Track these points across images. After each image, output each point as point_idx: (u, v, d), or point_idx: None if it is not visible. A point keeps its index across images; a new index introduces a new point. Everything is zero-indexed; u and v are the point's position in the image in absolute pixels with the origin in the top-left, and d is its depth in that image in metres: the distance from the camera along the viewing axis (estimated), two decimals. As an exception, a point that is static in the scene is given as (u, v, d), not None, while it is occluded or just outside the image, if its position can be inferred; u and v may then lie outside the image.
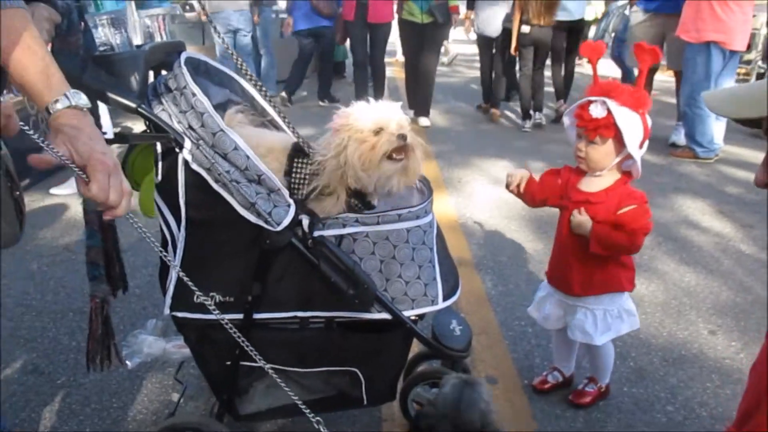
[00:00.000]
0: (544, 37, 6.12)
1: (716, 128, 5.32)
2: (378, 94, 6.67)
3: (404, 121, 1.70)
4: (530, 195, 2.21)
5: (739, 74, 7.94)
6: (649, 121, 1.94)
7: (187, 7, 9.18)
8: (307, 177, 1.73)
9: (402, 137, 1.64)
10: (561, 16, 6.15)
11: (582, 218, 2.01)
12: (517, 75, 6.70)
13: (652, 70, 6.12)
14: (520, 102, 6.60)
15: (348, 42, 7.43)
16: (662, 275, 3.30)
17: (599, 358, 2.22)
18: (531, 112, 6.49)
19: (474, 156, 5.51)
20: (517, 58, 6.44)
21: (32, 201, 4.22)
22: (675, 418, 2.20)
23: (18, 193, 1.75)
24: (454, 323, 2.00)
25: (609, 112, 1.88)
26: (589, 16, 7.27)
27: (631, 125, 1.89)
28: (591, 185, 2.05)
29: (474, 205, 4.29)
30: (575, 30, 6.55)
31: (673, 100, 6.17)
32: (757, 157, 5.59)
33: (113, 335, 1.87)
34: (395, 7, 6.55)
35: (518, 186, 2.19)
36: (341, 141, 1.66)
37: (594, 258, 2.02)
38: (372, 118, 1.67)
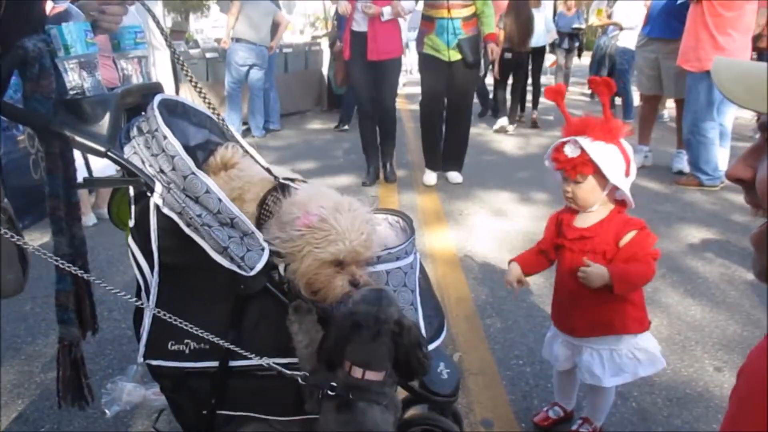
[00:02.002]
0: (523, 60, 8.16)
1: (720, 155, 5.26)
2: (387, 149, 5.73)
3: (374, 248, 1.58)
4: (543, 261, 2.20)
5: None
6: (629, 148, 1.93)
7: (191, 44, 9.32)
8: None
9: (354, 285, 1.51)
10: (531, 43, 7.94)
11: (594, 270, 1.89)
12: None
13: (655, 98, 6.09)
14: (509, 112, 8.43)
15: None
16: (666, 308, 3.21)
17: (601, 399, 2.15)
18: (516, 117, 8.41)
19: (476, 187, 5.47)
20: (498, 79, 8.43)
21: (32, 240, 4.19)
22: (679, 463, 2.10)
23: (21, 240, 1.74)
24: (442, 366, 1.93)
25: (582, 150, 1.89)
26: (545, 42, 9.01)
27: (609, 157, 1.88)
28: (585, 221, 2.02)
29: (475, 238, 4.23)
30: (538, 53, 8.55)
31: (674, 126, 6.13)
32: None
33: (84, 375, 1.83)
34: (406, 40, 5.96)
35: (519, 282, 2.16)
36: (299, 250, 1.52)
37: (595, 299, 1.95)
38: (334, 251, 1.50)
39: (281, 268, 1.57)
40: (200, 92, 1.78)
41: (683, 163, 5.76)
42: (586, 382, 2.07)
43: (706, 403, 2.42)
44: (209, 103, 1.80)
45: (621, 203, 2.00)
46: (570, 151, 1.91)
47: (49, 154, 1.57)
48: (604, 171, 1.87)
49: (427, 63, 5.36)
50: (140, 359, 1.63)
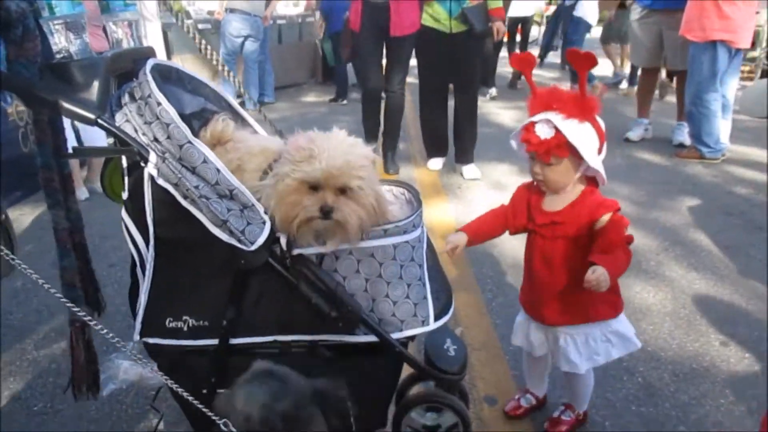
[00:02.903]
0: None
1: (722, 128, 5.19)
2: (391, 137, 5.03)
3: (355, 177, 1.47)
4: (497, 229, 2.04)
5: (743, 72, 7.82)
6: (602, 123, 1.78)
7: (182, 15, 9.12)
8: None
9: (324, 211, 1.43)
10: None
11: (598, 277, 1.66)
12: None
13: (654, 70, 5.99)
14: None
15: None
16: (670, 282, 3.16)
17: (578, 384, 2.03)
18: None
19: (475, 160, 5.38)
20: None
21: (22, 215, 4.12)
22: (688, 439, 2.06)
23: (3, 216, 1.66)
24: (449, 342, 1.88)
25: (557, 130, 1.71)
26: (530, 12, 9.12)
27: (584, 137, 1.73)
28: (555, 203, 1.86)
29: (474, 211, 4.16)
30: (525, 22, 8.88)
31: (674, 100, 6.05)
32: (765, 156, 5.47)
33: (96, 360, 1.75)
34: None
35: (453, 250, 1.94)
36: (281, 178, 1.47)
37: (568, 288, 1.84)
38: (307, 171, 1.44)
39: (283, 241, 1.50)
40: (216, 63, 1.69)
41: (684, 136, 5.69)
42: (563, 369, 1.94)
43: (713, 378, 2.38)
44: (228, 72, 1.70)
45: (592, 180, 1.85)
46: (543, 132, 1.73)
47: (37, 123, 1.48)
48: (583, 154, 1.72)
49: (425, 36, 4.65)
50: (136, 337, 1.56)
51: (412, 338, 1.65)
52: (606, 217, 1.77)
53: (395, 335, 1.58)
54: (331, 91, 8.78)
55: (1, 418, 2.17)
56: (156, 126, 1.44)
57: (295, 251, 1.50)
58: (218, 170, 1.44)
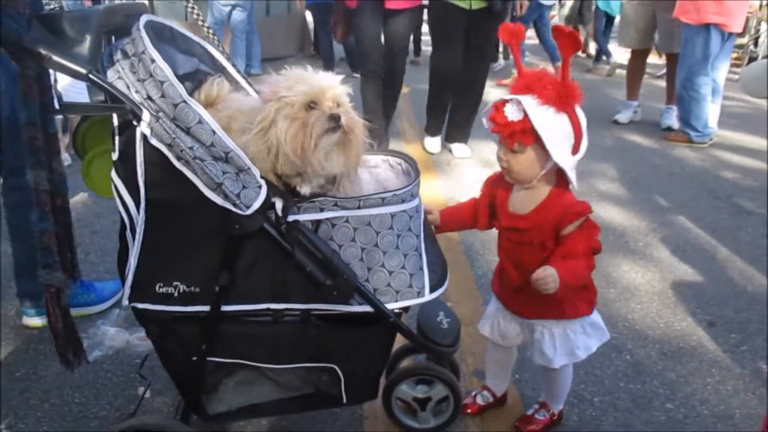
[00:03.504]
0: None
1: (711, 112, 5.20)
2: (387, 114, 4.83)
3: (342, 94, 1.54)
4: (468, 221, 1.92)
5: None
6: (583, 120, 1.61)
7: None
8: None
9: (334, 118, 1.46)
10: None
11: (545, 277, 1.57)
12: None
13: (644, 53, 5.97)
14: None
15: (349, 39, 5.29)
16: (658, 263, 3.17)
17: (556, 381, 1.92)
18: None
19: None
20: None
21: None
22: (675, 416, 2.07)
23: None
24: (441, 315, 1.87)
25: (525, 114, 1.56)
26: None
27: (555, 128, 1.57)
28: (521, 202, 1.73)
29: (463, 187, 4.14)
30: None
31: (663, 83, 6.05)
32: (752, 141, 5.50)
33: (74, 326, 1.69)
34: None
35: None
36: (267, 115, 1.47)
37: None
38: (303, 90, 1.48)
39: (278, 207, 1.46)
40: (208, 30, 1.65)
41: (672, 120, 5.70)
42: (536, 363, 1.85)
43: (700, 357, 2.40)
44: (217, 41, 1.65)
45: (564, 179, 1.68)
46: (511, 113, 1.58)
47: (23, 77, 1.41)
48: (547, 145, 1.56)
49: (442, 12, 4.37)
50: (125, 302, 1.52)
51: (406, 309, 1.63)
52: (575, 225, 1.65)
53: (390, 305, 1.55)
54: (318, 65, 8.65)
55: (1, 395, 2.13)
56: (149, 83, 1.38)
57: (291, 217, 1.46)
58: (213, 132, 1.39)
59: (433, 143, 5.00)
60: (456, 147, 4.92)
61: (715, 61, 4.96)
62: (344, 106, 1.54)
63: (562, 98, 1.56)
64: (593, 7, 9.42)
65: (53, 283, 1.56)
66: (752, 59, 8.93)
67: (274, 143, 1.45)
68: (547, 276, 1.57)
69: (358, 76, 8.13)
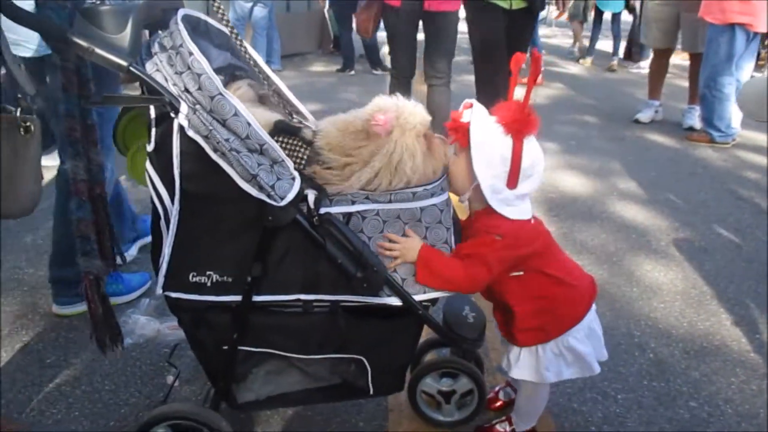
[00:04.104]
0: None
1: (734, 112, 5.16)
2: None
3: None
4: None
5: (760, 56, 7.75)
6: (530, 157, 1.54)
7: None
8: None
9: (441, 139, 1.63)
10: None
11: (403, 243, 1.52)
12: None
13: (667, 52, 5.93)
14: None
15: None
16: (680, 262, 3.16)
17: (521, 395, 1.87)
18: None
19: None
20: None
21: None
22: (699, 414, 2.07)
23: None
24: (467, 310, 1.88)
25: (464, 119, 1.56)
26: None
27: (490, 144, 1.52)
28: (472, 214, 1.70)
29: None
30: None
31: (686, 84, 6.01)
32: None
33: (113, 312, 1.73)
34: None
35: None
36: (391, 149, 1.52)
37: (493, 303, 1.77)
38: (416, 119, 1.56)
39: (311, 199, 1.48)
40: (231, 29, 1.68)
41: (694, 120, 5.66)
42: (502, 365, 1.79)
43: (724, 356, 2.39)
44: (238, 37, 1.69)
45: (486, 210, 1.60)
46: (467, 115, 1.57)
47: (64, 69, 1.45)
48: (472, 152, 1.52)
49: (480, 12, 3.93)
50: (159, 291, 1.55)
51: (433, 302, 1.64)
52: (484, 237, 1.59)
53: (418, 297, 1.57)
54: (338, 62, 8.69)
55: (16, 369, 2.18)
56: (187, 76, 1.41)
57: (323, 210, 1.49)
58: (249, 124, 1.42)
59: None
60: None
61: (740, 60, 4.92)
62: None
63: (514, 122, 1.52)
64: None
65: (92, 271, 1.59)
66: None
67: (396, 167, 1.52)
68: (403, 244, 1.51)
69: (378, 73, 8.28)
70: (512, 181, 1.55)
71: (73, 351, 2.28)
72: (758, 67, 6.91)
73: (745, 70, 5.07)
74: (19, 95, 1.48)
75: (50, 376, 2.16)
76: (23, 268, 2.88)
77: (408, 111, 1.55)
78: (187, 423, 1.64)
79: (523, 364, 1.72)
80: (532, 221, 1.65)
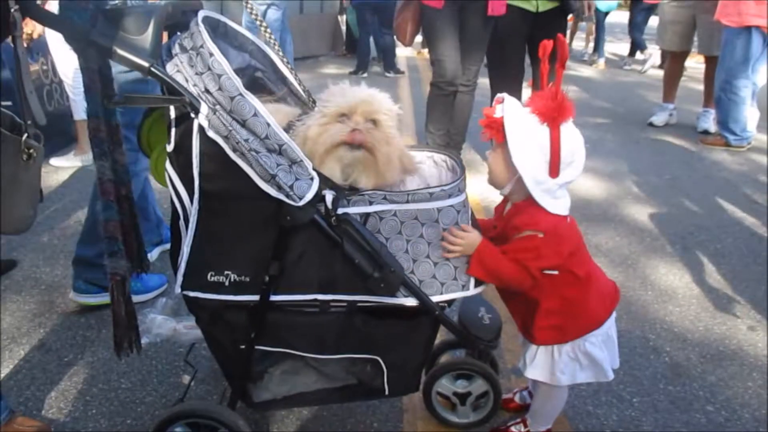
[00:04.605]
0: None
1: (750, 115, 5.13)
2: (458, 128, 4.21)
3: (379, 111, 1.59)
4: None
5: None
6: (569, 144, 1.53)
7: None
8: None
9: (356, 132, 1.55)
10: None
11: (466, 237, 1.55)
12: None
13: (683, 55, 5.90)
14: None
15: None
16: (695, 266, 3.14)
17: (539, 397, 1.85)
18: None
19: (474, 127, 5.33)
20: None
21: (46, 172, 4.13)
22: (715, 419, 2.06)
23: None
24: (483, 311, 1.88)
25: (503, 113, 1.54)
26: None
27: (527, 134, 1.52)
28: (506, 210, 1.70)
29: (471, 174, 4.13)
30: None
31: (701, 87, 5.98)
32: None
33: (135, 315, 1.73)
34: None
35: None
36: (306, 122, 1.58)
37: (512, 298, 1.74)
38: (338, 102, 1.58)
39: (328, 199, 1.49)
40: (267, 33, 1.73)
41: (709, 123, 5.63)
42: (518, 365, 1.79)
43: (741, 361, 2.38)
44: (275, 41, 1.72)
45: (528, 200, 1.60)
46: (500, 110, 1.56)
47: (87, 70, 1.46)
48: (509, 144, 1.52)
49: (507, 16, 3.83)
50: (177, 290, 1.56)
51: (449, 303, 1.64)
52: (524, 234, 1.58)
53: (435, 298, 1.57)
54: (350, 64, 8.73)
55: (34, 367, 2.20)
56: (207, 76, 1.42)
57: (341, 210, 1.49)
58: (268, 124, 1.43)
59: None
60: None
61: (756, 63, 4.89)
62: (380, 124, 1.60)
63: (548, 110, 1.51)
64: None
65: (118, 272, 1.59)
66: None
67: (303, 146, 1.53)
68: (466, 238, 1.53)
69: (390, 75, 8.30)
70: (554, 170, 1.54)
71: (90, 350, 2.30)
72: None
73: (761, 73, 5.04)
74: (29, 121, 1.50)
75: (68, 374, 2.18)
76: (40, 267, 2.91)
77: (332, 94, 1.61)
78: (204, 421, 1.65)
79: (538, 365, 1.71)
80: (568, 219, 1.66)
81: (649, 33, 9.31)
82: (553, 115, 1.51)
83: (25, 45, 1.48)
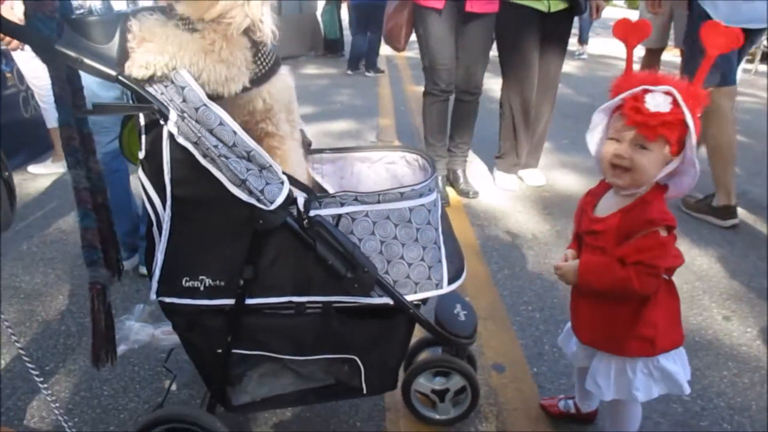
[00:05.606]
0: None
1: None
2: (461, 148, 4.06)
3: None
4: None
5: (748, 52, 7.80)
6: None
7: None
8: None
9: None
10: None
11: (562, 267, 1.58)
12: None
13: (660, 51, 5.94)
14: None
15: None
16: (673, 258, 3.18)
17: (617, 418, 1.80)
18: None
19: (478, 134, 5.36)
20: None
21: (24, 179, 4.12)
22: (692, 408, 2.09)
23: (7, 173, 1.64)
24: (459, 308, 1.90)
25: (676, 104, 1.41)
26: None
27: (693, 127, 1.44)
28: (608, 207, 1.60)
29: (478, 185, 4.16)
30: None
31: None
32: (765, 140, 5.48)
33: (113, 325, 1.73)
34: None
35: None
36: None
37: (600, 310, 1.63)
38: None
39: (300, 202, 1.50)
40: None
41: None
42: (588, 388, 1.73)
43: (716, 351, 2.42)
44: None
45: (659, 188, 1.54)
46: (657, 104, 1.41)
47: (56, 79, 1.46)
48: (692, 141, 1.44)
49: (515, 16, 3.69)
50: (152, 296, 1.57)
51: (424, 301, 1.66)
52: (643, 233, 1.50)
53: (409, 297, 1.59)
54: (331, 64, 8.76)
55: (15, 377, 2.19)
56: (171, 89, 1.42)
57: (313, 212, 1.51)
58: (235, 132, 1.43)
59: (508, 180, 4.23)
60: (529, 174, 4.28)
61: (730, 57, 4.94)
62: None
63: (695, 100, 1.44)
64: None
65: (99, 281, 1.59)
66: (765, 55, 8.96)
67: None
68: (563, 269, 1.58)
69: (371, 75, 8.33)
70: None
71: (71, 357, 2.30)
72: (747, 62, 6.97)
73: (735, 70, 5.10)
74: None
75: (49, 383, 2.17)
76: (19, 275, 2.89)
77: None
78: (183, 426, 1.66)
79: (615, 386, 1.66)
80: None
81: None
82: (697, 106, 1.45)
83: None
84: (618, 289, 1.53)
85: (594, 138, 1.61)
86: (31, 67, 3.85)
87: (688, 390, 1.66)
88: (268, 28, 1.52)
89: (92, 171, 1.61)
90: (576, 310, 1.73)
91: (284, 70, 1.68)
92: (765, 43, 9.34)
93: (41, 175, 4.22)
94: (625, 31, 1.62)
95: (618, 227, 1.53)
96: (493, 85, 4.00)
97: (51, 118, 4.09)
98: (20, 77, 4.38)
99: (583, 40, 10.40)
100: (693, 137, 1.44)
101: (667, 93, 1.42)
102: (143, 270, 2.80)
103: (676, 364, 1.65)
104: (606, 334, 1.64)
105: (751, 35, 3.52)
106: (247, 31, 1.50)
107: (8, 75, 4.41)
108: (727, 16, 3.23)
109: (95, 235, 1.59)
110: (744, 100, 6.50)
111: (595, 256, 1.58)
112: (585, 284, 1.59)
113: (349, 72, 8.56)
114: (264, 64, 1.55)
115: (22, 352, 1.53)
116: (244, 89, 1.52)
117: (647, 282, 1.50)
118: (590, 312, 1.67)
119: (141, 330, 2.15)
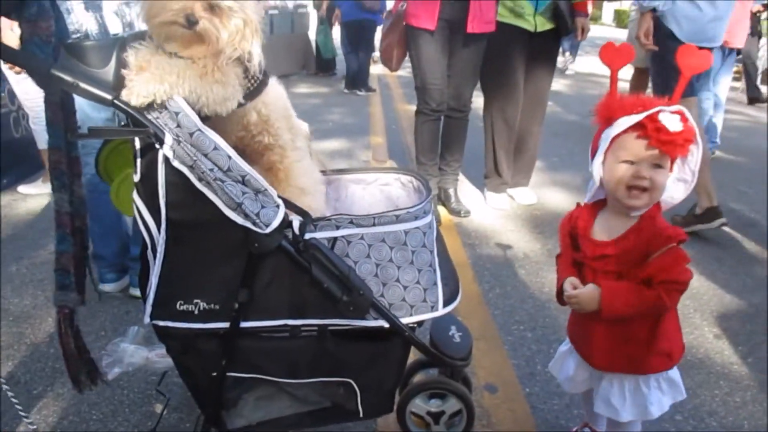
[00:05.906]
0: None
1: (712, 127, 5.26)
2: (452, 166, 4.10)
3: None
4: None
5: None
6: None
7: None
8: None
9: (189, 21, 1.41)
10: None
11: (586, 293, 1.55)
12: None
13: (648, 68, 6.03)
14: None
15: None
16: (664, 276, 3.20)
17: None
18: None
19: (469, 153, 5.39)
20: None
21: (14, 200, 4.09)
22: (683, 428, 2.10)
23: None
24: (453, 329, 1.91)
25: (687, 122, 1.45)
26: None
27: (701, 141, 1.53)
28: (608, 229, 1.59)
29: (469, 204, 4.18)
30: None
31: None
32: (754, 154, 5.54)
33: (86, 348, 1.70)
34: None
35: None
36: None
37: (616, 331, 1.59)
38: None
39: (295, 225, 1.50)
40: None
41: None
42: (599, 412, 1.71)
43: (708, 369, 2.43)
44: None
45: (656, 204, 1.58)
46: (671, 123, 1.43)
47: (49, 103, 1.46)
48: (696, 156, 1.51)
49: (502, 35, 3.71)
50: (147, 320, 1.56)
51: (420, 324, 1.66)
52: (662, 251, 1.50)
53: (405, 320, 1.59)
54: (323, 83, 8.80)
55: (3, 401, 2.16)
56: (165, 115, 1.42)
57: (308, 235, 1.51)
58: (230, 157, 1.44)
59: (498, 199, 4.24)
60: (520, 192, 4.31)
61: (717, 76, 5.04)
62: (221, 9, 1.45)
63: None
64: None
65: (67, 304, 1.59)
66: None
67: None
68: (579, 296, 1.54)
69: (361, 93, 8.38)
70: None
71: (60, 381, 2.27)
72: (734, 80, 7.07)
73: (722, 85, 5.20)
74: None
75: (37, 407, 2.15)
76: (8, 297, 2.86)
77: None
78: (176, 451, 1.65)
79: (631, 405, 1.64)
80: None
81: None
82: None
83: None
84: (649, 310, 1.53)
85: (597, 163, 1.61)
86: (24, 89, 3.83)
87: (684, 393, 1.69)
88: (256, 60, 1.54)
89: (75, 195, 1.60)
90: (589, 337, 1.67)
91: (273, 80, 1.70)
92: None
93: (31, 196, 4.20)
94: (610, 56, 1.65)
95: (633, 248, 1.54)
96: (483, 102, 4.09)
97: (42, 138, 4.07)
98: (12, 97, 4.36)
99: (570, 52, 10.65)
100: (701, 150, 1.51)
101: (676, 112, 1.45)
102: (134, 291, 2.79)
103: (676, 372, 1.68)
104: (625, 355, 1.61)
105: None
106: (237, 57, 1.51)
107: (0, 95, 4.40)
108: (690, 35, 3.28)
109: (69, 260, 1.59)
110: (731, 118, 6.59)
111: (608, 280, 1.56)
112: (610, 310, 1.52)
113: (346, 90, 8.67)
114: (254, 78, 1.57)
115: (2, 380, 1.49)
116: (239, 105, 1.53)
117: (676, 298, 1.53)
118: (607, 336, 1.61)
119: (135, 352, 2.12)
